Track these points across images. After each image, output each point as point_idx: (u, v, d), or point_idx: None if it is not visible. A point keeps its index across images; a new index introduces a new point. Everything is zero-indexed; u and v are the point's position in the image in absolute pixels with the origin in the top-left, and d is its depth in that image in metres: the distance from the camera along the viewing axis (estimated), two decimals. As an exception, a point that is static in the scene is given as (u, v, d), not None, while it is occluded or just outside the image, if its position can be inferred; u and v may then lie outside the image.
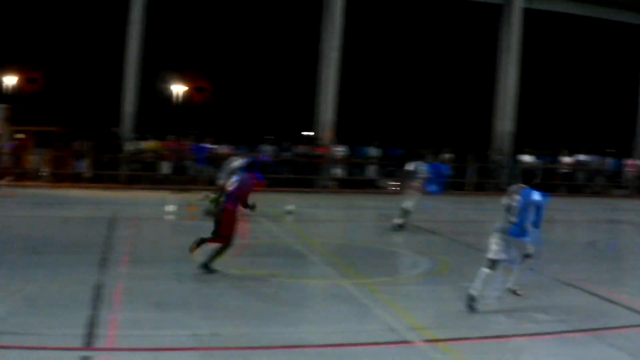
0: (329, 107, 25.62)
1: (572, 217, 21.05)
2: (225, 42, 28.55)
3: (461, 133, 28.82)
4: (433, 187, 14.93)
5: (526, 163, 26.55)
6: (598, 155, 28.80)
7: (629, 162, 28.84)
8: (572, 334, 7.37)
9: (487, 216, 19.38)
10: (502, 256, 7.94)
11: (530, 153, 26.95)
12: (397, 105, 30.06)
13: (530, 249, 8.06)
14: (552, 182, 26.96)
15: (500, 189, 26.14)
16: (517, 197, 7.93)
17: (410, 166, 14.82)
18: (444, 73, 30.30)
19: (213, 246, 9.32)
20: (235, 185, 9.44)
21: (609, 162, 28.70)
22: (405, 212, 14.38)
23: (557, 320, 7.90)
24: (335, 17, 25.60)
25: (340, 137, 25.57)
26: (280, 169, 24.31)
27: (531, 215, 7.86)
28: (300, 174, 24.73)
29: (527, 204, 7.86)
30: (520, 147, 27.67)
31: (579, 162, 28.45)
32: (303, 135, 28.35)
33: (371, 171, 25.95)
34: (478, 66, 29.67)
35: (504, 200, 8.12)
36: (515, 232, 7.89)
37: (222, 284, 9.00)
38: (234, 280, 9.26)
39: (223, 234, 9.21)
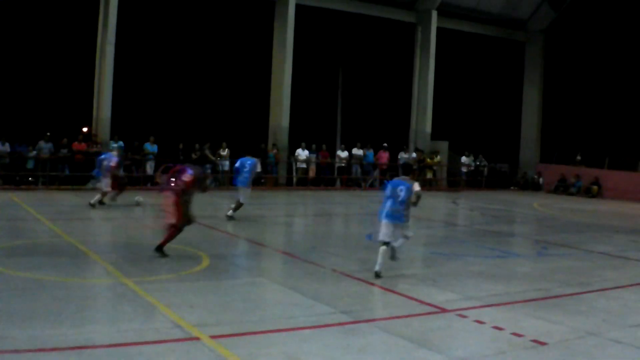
0: (106, 103, 25.17)
1: (350, 210, 22.64)
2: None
3: (239, 128, 29.51)
4: (240, 180, 16.49)
5: (302, 158, 28.54)
6: (373, 149, 30.61)
7: (382, 153, 31.06)
8: (356, 324, 8.07)
9: (265, 211, 20.58)
10: (390, 238, 10.10)
11: (305, 148, 28.81)
12: (175, 101, 29.89)
13: (410, 232, 10.63)
14: (331, 176, 29.66)
15: (278, 184, 28.38)
16: (402, 188, 10.09)
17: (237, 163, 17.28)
18: (221, 69, 31.04)
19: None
20: None
21: (366, 153, 30.54)
22: (239, 205, 16.85)
23: (340, 312, 8.60)
24: (110, 11, 25.17)
25: (117, 132, 25.20)
26: (59, 166, 24.00)
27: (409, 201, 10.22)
28: (78, 171, 24.04)
29: (409, 191, 10.05)
30: (296, 142, 29.20)
31: (354, 156, 30.30)
32: (82, 131, 27.28)
33: (149, 167, 25.90)
34: (254, 62, 30.53)
35: (388, 190, 10.30)
36: (400, 218, 10.10)
37: (3, 286, 8.84)
38: (17, 282, 9.07)
39: None
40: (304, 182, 29.57)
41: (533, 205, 26.50)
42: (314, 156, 29.84)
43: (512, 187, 34.39)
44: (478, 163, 34.12)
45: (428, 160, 32.28)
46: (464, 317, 8.60)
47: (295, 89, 29.67)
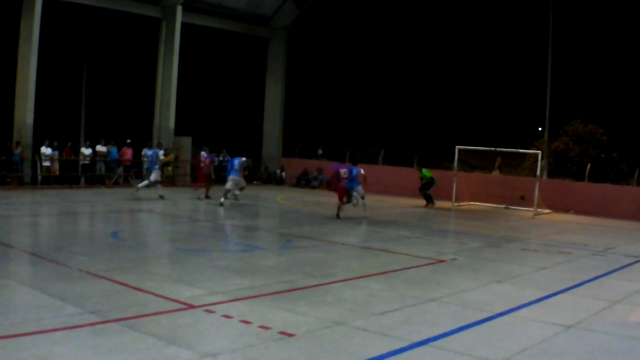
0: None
1: (95, 208, 23.50)
2: None
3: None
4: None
5: (46, 155, 29.63)
6: (117, 145, 32.79)
7: (126, 149, 33.16)
8: (106, 324, 8.51)
9: (11, 210, 20.72)
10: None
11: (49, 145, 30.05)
12: None
13: (362, 192, 22.68)
14: (76, 174, 31.07)
15: (24, 183, 29.21)
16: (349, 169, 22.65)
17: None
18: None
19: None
20: None
21: (111, 150, 32.65)
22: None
23: (89, 312, 9.00)
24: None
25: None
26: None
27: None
28: None
29: (356, 173, 22.73)
30: (40, 138, 30.12)
31: (98, 153, 31.92)
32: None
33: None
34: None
35: (342, 171, 22.67)
36: (355, 186, 22.39)
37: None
38: None
39: None
40: (49, 180, 30.43)
41: (276, 199, 28.82)
42: (56, 153, 30.68)
43: (255, 182, 36.83)
44: (221, 158, 36.25)
45: (163, 157, 34.01)
46: (212, 312, 9.27)
47: (39, 84, 30.18)
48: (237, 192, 26.01)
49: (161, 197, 26.39)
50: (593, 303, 11.21)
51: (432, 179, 29.26)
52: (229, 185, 25.28)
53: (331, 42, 45.55)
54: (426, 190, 29.14)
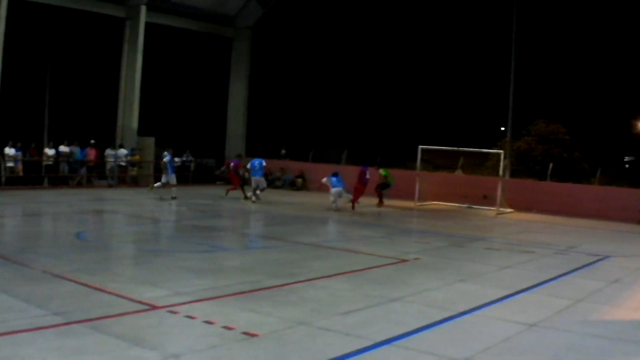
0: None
1: (59, 209, 23.24)
2: None
3: None
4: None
5: (10, 156, 29.48)
6: (80, 146, 32.56)
7: (90, 150, 32.91)
8: (70, 326, 8.47)
9: None
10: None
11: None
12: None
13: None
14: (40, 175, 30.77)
15: None
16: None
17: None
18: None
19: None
20: None
21: (74, 150, 32.39)
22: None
23: (53, 314, 8.96)
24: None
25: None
26: None
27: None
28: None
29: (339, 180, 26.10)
30: (4, 139, 29.96)
31: (62, 154, 31.60)
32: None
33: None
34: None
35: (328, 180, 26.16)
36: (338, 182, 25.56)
37: None
38: None
39: None
40: (13, 181, 30.10)
41: (240, 199, 28.73)
42: (20, 154, 30.43)
43: (218, 182, 36.65)
44: (185, 158, 36.50)
45: (131, 157, 34.13)
46: (175, 313, 9.28)
47: (3, 84, 29.67)
48: (259, 192, 28.38)
49: (174, 198, 27.45)
50: (556, 301, 11.35)
51: (387, 178, 29.42)
52: (253, 185, 28.14)
53: (295, 42, 45.77)
54: (382, 190, 29.31)
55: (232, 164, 30.39)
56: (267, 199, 28.94)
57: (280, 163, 37.90)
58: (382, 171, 29.49)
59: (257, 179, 28.21)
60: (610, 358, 8.49)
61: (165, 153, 28.26)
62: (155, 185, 28.09)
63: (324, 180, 27.42)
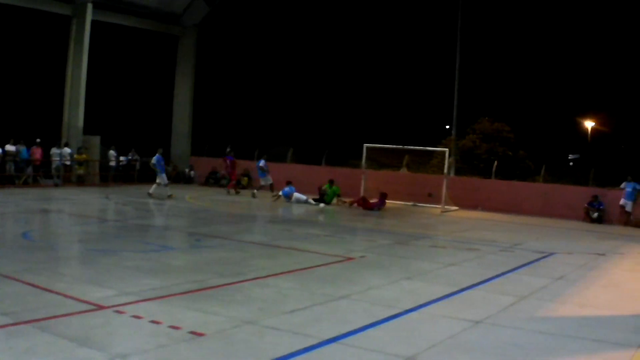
0: None
1: (6, 209, 22.75)
2: None
3: None
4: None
5: None
6: (26, 145, 32.10)
7: (35, 149, 32.53)
8: (17, 326, 8.40)
9: None
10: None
11: None
12: None
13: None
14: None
15: None
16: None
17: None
18: None
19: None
20: None
21: (20, 149, 31.95)
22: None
23: (2, 314, 8.87)
24: None
25: None
26: None
27: None
28: None
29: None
30: None
31: (7, 153, 31.24)
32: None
33: None
34: None
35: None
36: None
37: None
38: None
39: None
40: None
41: (186, 198, 28.77)
42: None
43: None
44: (130, 157, 36.47)
45: (76, 156, 33.80)
46: (122, 312, 9.22)
47: None
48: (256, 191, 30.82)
49: (170, 196, 28.22)
50: (501, 298, 11.52)
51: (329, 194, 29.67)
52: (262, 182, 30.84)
53: (241, 40, 45.78)
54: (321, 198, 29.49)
55: (228, 160, 31.83)
56: (212, 198, 28.89)
57: (225, 161, 37.73)
58: (326, 186, 29.70)
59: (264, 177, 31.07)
60: (555, 354, 8.62)
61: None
62: (150, 191, 28.28)
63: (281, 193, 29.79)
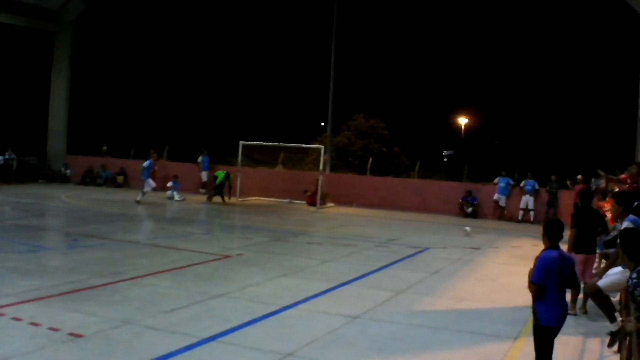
0: None
1: None
2: None
3: None
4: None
5: None
6: None
7: None
8: None
9: None
10: None
11: None
12: None
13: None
14: None
15: None
16: None
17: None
18: None
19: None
20: None
21: None
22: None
23: None
24: None
25: None
26: None
27: None
28: None
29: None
30: None
31: None
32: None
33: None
34: None
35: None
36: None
37: None
38: None
39: None
40: None
41: (62, 197, 28.11)
42: None
43: (40, 180, 35.94)
44: (7, 157, 35.23)
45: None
46: (2, 315, 9.12)
47: None
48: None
49: (138, 202, 27.38)
50: (379, 293, 11.85)
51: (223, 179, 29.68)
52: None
53: (118, 37, 45.22)
54: (219, 189, 29.50)
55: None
56: (89, 197, 28.46)
57: (101, 160, 37.13)
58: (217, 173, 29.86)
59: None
60: (433, 347, 8.94)
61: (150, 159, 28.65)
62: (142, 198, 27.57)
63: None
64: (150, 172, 28.34)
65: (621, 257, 7.46)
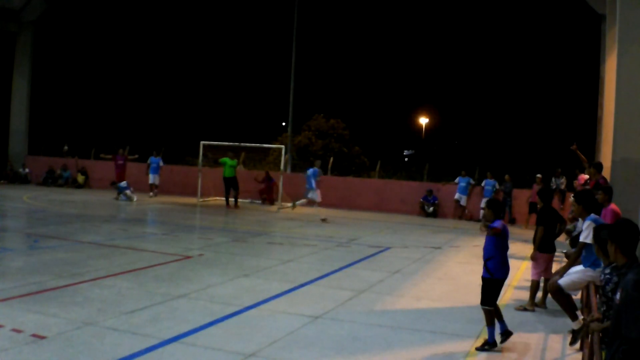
0: None
1: None
2: None
3: None
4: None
5: None
6: None
7: None
8: None
9: None
10: None
11: None
12: None
13: None
14: None
15: None
16: None
17: None
18: None
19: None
20: None
21: None
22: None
23: None
24: None
25: None
26: None
27: None
28: None
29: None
30: None
31: None
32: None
33: None
34: None
35: None
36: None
37: None
38: None
39: None
40: None
41: (23, 198, 28.00)
42: None
43: (1, 181, 35.94)
44: None
45: None
46: None
47: None
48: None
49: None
50: (339, 293, 11.95)
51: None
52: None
53: (78, 37, 45.01)
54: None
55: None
56: (49, 198, 28.25)
57: (62, 160, 36.92)
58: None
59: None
60: (394, 346, 9.03)
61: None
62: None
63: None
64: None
65: (596, 251, 7.81)
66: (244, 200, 31.25)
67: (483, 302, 9.13)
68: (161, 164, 31.84)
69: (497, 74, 56.42)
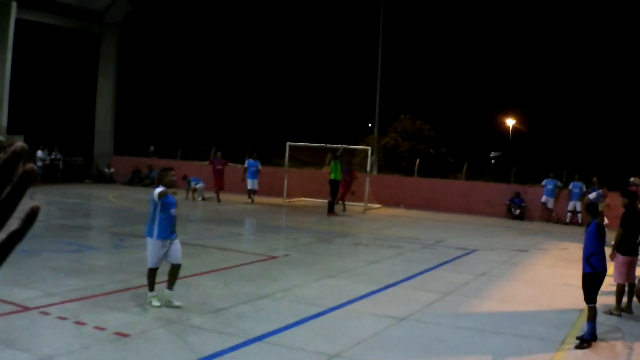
0: None
1: None
2: None
3: None
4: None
5: None
6: None
7: None
8: None
9: None
10: None
11: None
12: None
13: None
14: None
15: None
16: None
17: None
18: None
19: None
20: None
21: None
22: None
23: None
24: None
25: None
26: None
27: None
28: None
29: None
30: None
31: None
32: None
33: None
34: None
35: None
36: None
37: None
38: None
39: None
40: None
41: (108, 197, 28.55)
42: None
43: (87, 180, 36.42)
44: (53, 157, 35.86)
45: None
46: (47, 314, 9.21)
47: None
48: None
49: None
50: (424, 295, 11.76)
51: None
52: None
53: (164, 38, 45.74)
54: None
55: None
56: (135, 197, 28.67)
57: (148, 161, 37.52)
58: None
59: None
60: (478, 350, 8.86)
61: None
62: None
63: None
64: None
65: None
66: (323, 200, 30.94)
67: (587, 300, 9.39)
68: (259, 167, 30.55)
69: (586, 75, 55.01)
